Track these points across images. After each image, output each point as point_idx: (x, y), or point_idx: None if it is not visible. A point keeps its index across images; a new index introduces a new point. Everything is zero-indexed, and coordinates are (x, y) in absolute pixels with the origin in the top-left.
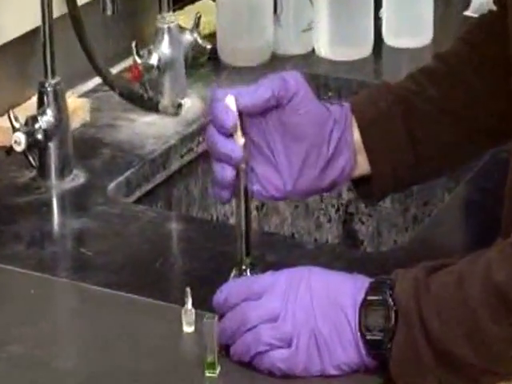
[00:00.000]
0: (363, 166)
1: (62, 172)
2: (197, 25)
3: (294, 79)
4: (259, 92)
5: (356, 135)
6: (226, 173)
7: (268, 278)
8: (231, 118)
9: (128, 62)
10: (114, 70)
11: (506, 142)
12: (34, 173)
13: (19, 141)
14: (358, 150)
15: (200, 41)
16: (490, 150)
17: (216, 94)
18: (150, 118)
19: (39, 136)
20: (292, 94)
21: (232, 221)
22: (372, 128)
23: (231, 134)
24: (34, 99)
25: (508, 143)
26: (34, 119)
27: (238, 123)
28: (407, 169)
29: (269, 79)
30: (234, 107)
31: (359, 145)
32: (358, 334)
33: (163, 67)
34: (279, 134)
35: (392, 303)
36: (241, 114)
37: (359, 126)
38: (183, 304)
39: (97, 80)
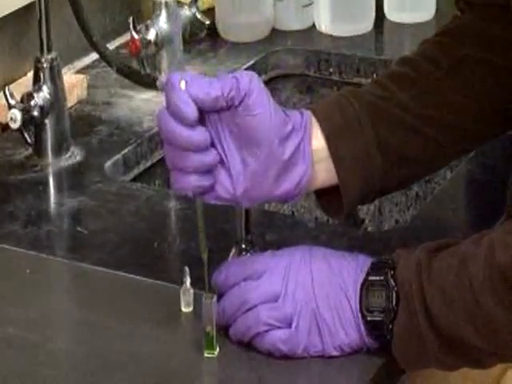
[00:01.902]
0: (323, 178)
1: (59, 150)
2: None
3: (247, 79)
4: (208, 90)
5: (317, 144)
6: (207, 157)
7: (268, 257)
8: (193, 110)
9: (125, 38)
10: (112, 46)
11: (480, 145)
12: (29, 150)
13: (15, 118)
14: (318, 160)
15: (198, 16)
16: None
17: (172, 79)
18: (148, 94)
19: (35, 113)
20: (244, 93)
21: None
22: (340, 136)
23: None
24: (30, 75)
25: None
26: (29, 96)
27: None
28: (376, 177)
29: (220, 78)
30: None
31: (320, 155)
32: (359, 314)
33: (161, 43)
34: (233, 134)
35: (393, 284)
36: None
37: (325, 134)
38: (181, 284)
39: (94, 56)
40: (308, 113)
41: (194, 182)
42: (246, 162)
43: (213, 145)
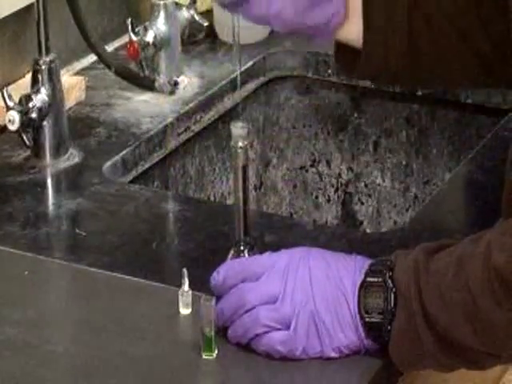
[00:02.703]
0: (352, 32)
1: (57, 151)
2: (193, 1)
3: None
4: None
5: None
6: None
7: (266, 258)
8: None
9: (123, 39)
10: (110, 47)
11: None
12: (28, 152)
13: (13, 120)
14: (352, 10)
15: (197, 17)
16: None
17: None
18: (146, 96)
19: (33, 115)
20: None
21: (229, 201)
22: None
23: None
24: (28, 77)
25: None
26: (28, 98)
27: None
28: (399, 50)
29: None
30: None
31: (355, 4)
32: (357, 316)
33: (159, 44)
34: None
35: (391, 285)
36: None
37: None
38: (180, 285)
39: (92, 57)
40: None
41: None
42: None
43: None
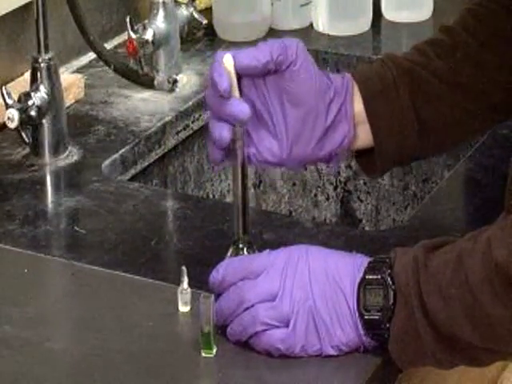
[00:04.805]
0: (364, 139)
1: (56, 149)
2: None
3: (294, 46)
4: (257, 55)
5: (358, 107)
6: (225, 132)
7: (265, 256)
8: (225, 80)
9: (122, 37)
10: (109, 45)
11: None
12: (27, 150)
13: (12, 117)
14: (359, 122)
15: (196, 15)
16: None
17: (217, 55)
18: (145, 94)
19: (32, 113)
20: (291, 60)
21: (228, 199)
22: (377, 100)
23: (228, 95)
24: (27, 75)
25: None
26: (27, 95)
27: (235, 84)
28: (411, 143)
29: (269, 43)
30: (231, 67)
31: (361, 117)
32: (357, 313)
33: (158, 42)
34: (278, 98)
35: (391, 282)
36: (239, 75)
37: (364, 98)
38: (179, 283)
39: (91, 55)
40: (349, 76)
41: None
42: (290, 126)
43: (258, 109)
